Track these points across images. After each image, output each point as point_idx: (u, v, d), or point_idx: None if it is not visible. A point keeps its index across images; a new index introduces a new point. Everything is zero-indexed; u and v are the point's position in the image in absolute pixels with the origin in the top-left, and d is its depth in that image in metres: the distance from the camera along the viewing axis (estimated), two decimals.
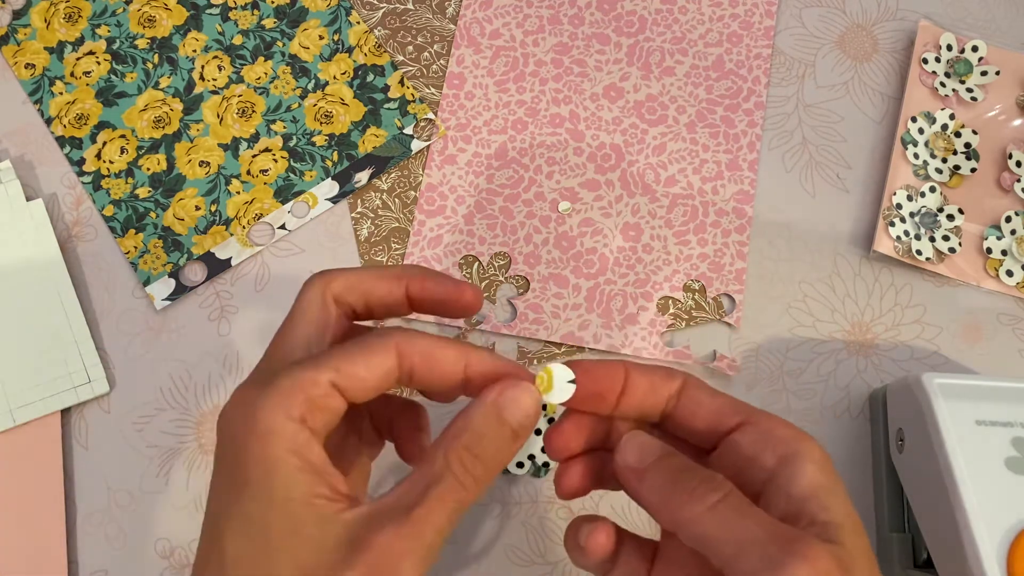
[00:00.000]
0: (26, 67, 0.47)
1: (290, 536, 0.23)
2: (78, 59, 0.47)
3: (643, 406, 0.28)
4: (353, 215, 0.45)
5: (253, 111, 0.46)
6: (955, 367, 0.42)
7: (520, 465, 0.40)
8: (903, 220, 0.43)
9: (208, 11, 0.48)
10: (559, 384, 0.28)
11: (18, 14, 0.48)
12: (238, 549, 0.23)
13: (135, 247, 0.44)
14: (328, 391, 0.25)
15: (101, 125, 0.46)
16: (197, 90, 0.46)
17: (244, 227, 0.44)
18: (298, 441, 0.24)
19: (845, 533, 0.24)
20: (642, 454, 0.27)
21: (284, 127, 0.46)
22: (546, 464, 0.40)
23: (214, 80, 0.47)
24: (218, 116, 0.46)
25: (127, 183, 0.45)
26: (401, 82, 0.47)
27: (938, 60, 0.46)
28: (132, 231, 0.44)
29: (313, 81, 0.47)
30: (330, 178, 0.45)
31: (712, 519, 0.24)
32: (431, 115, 0.46)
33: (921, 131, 0.45)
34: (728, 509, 0.24)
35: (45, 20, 0.47)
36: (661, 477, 0.26)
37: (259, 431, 0.24)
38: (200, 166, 0.45)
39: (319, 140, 0.46)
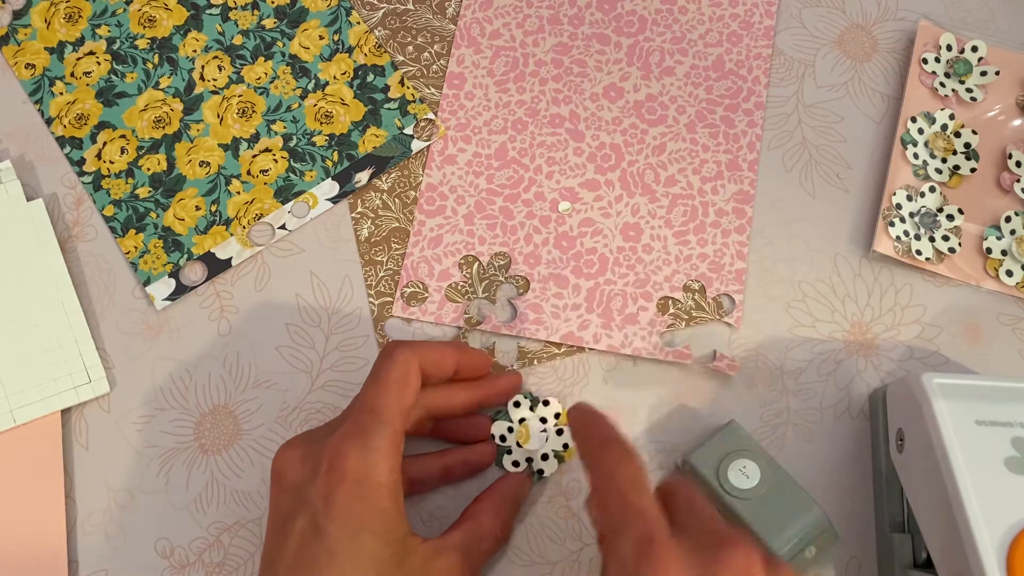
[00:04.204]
0: (26, 67, 0.47)
1: (396, 567, 0.32)
2: (78, 59, 0.47)
3: None
4: (353, 215, 0.45)
5: (253, 111, 0.46)
6: (955, 367, 0.42)
7: (516, 464, 0.40)
8: (903, 220, 0.43)
9: (208, 11, 0.48)
10: (534, 434, 0.40)
11: (18, 14, 0.48)
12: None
13: (135, 247, 0.44)
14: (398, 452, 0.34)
15: (101, 125, 0.46)
16: (197, 90, 0.46)
17: (244, 227, 0.44)
18: (396, 491, 0.33)
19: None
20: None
21: (284, 127, 0.46)
22: (540, 472, 0.40)
23: (214, 80, 0.47)
24: (218, 116, 0.46)
25: (127, 183, 0.45)
26: (401, 82, 0.47)
27: (938, 60, 0.46)
28: (132, 231, 0.44)
29: (313, 81, 0.47)
30: (330, 178, 0.45)
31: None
32: (431, 115, 0.46)
33: (921, 131, 0.45)
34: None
35: (45, 20, 0.47)
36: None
37: (376, 484, 0.32)
38: (200, 166, 0.45)
39: (319, 140, 0.46)
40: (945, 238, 0.43)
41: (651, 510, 0.29)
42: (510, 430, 0.41)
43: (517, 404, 0.41)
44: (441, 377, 0.37)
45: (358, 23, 0.48)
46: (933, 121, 0.45)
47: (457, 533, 0.36)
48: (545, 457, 0.40)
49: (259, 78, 0.47)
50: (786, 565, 0.29)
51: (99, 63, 0.47)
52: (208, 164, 0.45)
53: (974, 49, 0.46)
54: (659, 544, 0.28)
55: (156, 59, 0.47)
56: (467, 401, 0.39)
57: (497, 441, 0.40)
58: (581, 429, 0.34)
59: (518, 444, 0.40)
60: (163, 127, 0.46)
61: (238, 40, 0.47)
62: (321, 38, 0.47)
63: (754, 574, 0.28)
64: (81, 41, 0.47)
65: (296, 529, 0.32)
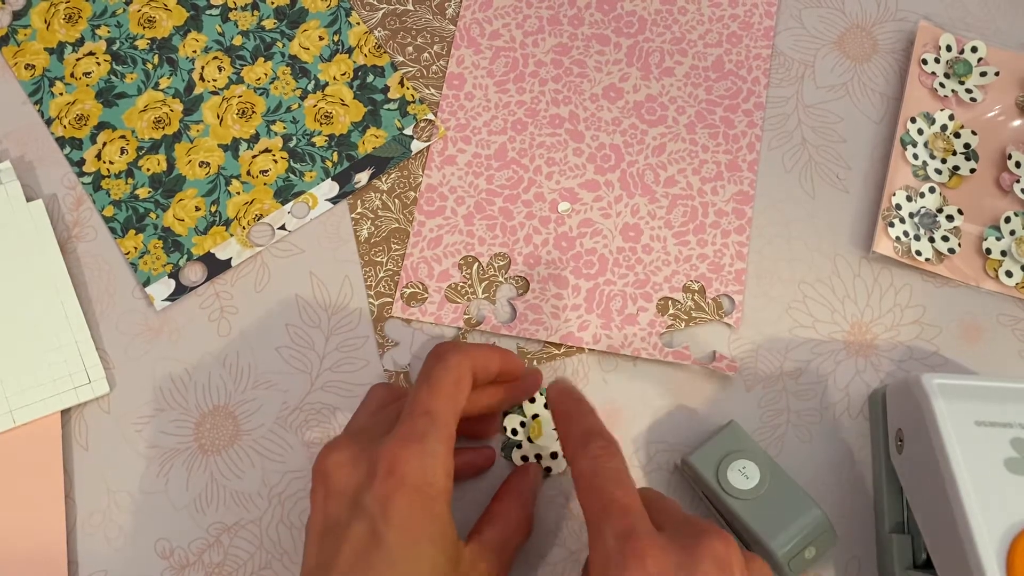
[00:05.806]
0: (26, 68, 0.47)
1: (451, 573, 0.32)
2: (78, 60, 0.47)
3: None
4: (353, 215, 0.45)
5: (253, 112, 0.46)
6: (955, 367, 0.42)
7: (524, 459, 0.40)
8: (902, 221, 0.44)
9: (208, 12, 0.48)
10: (547, 431, 0.41)
11: (18, 15, 0.48)
12: None
13: (135, 247, 0.44)
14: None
15: (101, 126, 0.46)
16: (197, 91, 0.46)
17: (244, 228, 0.44)
18: (449, 497, 0.32)
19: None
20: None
21: (284, 128, 0.46)
22: (548, 469, 0.40)
23: (214, 81, 0.47)
24: (218, 117, 0.46)
25: (127, 184, 0.45)
26: (401, 83, 0.47)
27: (937, 61, 0.46)
28: (132, 231, 0.44)
29: (313, 82, 0.47)
30: (330, 179, 0.45)
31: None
32: (431, 116, 0.46)
33: (920, 132, 0.45)
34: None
35: (45, 21, 0.47)
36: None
37: (435, 491, 0.31)
38: (200, 167, 0.45)
39: (319, 141, 0.46)
40: (945, 239, 0.43)
41: (633, 504, 0.30)
42: (522, 424, 0.41)
43: (532, 400, 0.41)
44: (486, 380, 0.37)
45: (358, 24, 0.48)
46: (933, 122, 0.45)
47: (492, 532, 0.35)
48: (555, 455, 0.40)
49: (259, 79, 0.47)
50: (758, 556, 0.32)
51: (99, 64, 0.47)
52: (208, 164, 0.45)
53: (974, 50, 0.46)
54: (641, 536, 0.29)
55: (156, 60, 0.47)
56: (500, 402, 0.38)
57: (508, 434, 0.41)
58: (563, 416, 0.34)
59: (529, 439, 0.40)
60: (163, 127, 0.46)
61: (238, 41, 0.47)
62: (321, 39, 0.47)
63: (732, 558, 0.29)
64: (81, 42, 0.47)
65: (351, 535, 0.31)
